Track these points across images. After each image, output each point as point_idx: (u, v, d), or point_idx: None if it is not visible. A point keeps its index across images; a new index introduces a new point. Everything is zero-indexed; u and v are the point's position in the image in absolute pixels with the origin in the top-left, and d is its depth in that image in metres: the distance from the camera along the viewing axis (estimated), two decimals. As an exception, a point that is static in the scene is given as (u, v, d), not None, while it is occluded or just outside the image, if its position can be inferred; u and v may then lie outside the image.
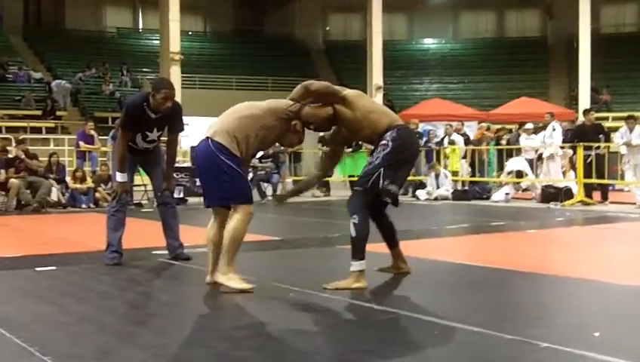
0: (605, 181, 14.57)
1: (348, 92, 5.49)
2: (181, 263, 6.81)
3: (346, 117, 5.43)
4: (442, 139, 18.09)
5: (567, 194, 14.32)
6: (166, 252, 7.09)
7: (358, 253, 5.34)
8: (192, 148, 15.80)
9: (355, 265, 5.33)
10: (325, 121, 5.51)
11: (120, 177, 6.59)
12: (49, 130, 23.58)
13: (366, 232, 5.35)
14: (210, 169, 5.24)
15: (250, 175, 16.15)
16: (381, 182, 5.26)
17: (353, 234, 5.33)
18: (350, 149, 18.50)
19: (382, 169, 5.26)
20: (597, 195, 14.67)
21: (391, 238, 5.92)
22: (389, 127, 5.39)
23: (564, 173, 15.33)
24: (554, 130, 15.85)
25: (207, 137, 5.24)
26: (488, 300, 5.09)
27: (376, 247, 5.81)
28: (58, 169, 15.17)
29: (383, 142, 5.32)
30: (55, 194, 14.54)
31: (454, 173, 17.04)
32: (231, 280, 5.23)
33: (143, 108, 6.46)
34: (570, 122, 21.27)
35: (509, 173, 15.83)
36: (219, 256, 5.39)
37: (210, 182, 5.31)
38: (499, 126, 20.95)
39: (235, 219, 5.20)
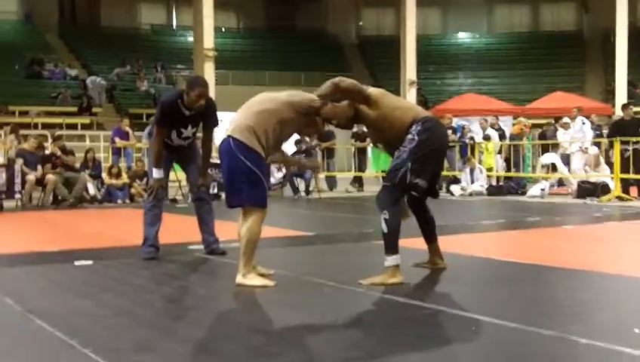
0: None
1: (372, 90, 5.48)
2: (217, 258, 6.85)
3: (369, 116, 5.44)
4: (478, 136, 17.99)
5: (604, 189, 14.15)
6: (202, 247, 7.15)
7: (392, 248, 5.34)
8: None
9: (390, 260, 5.33)
10: (345, 120, 5.53)
11: (156, 173, 6.69)
12: (84, 127, 23.85)
13: (398, 227, 5.33)
14: (231, 169, 5.23)
15: (284, 170, 16.20)
16: (408, 176, 5.25)
17: (385, 229, 5.33)
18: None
19: (409, 163, 5.24)
20: (634, 191, 14.49)
21: (430, 233, 5.92)
22: (414, 120, 5.35)
23: (587, 169, 15.21)
24: (583, 124, 15.70)
25: (229, 135, 5.21)
26: (525, 296, 5.05)
27: (411, 243, 5.79)
28: (94, 165, 15.36)
29: (409, 136, 5.30)
30: (92, 190, 14.71)
31: (489, 170, 16.93)
32: (251, 280, 5.25)
33: (177, 105, 6.53)
34: (607, 117, 21.06)
35: (542, 167, 15.70)
36: (251, 251, 5.40)
37: (229, 179, 5.30)
38: (534, 121, 20.83)
39: (249, 220, 5.21)
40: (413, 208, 5.72)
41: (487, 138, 17.54)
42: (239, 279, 5.27)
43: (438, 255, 5.98)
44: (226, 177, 5.33)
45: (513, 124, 20.25)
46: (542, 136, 18.96)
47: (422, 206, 5.79)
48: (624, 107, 15.98)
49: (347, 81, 5.43)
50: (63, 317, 4.40)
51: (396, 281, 5.28)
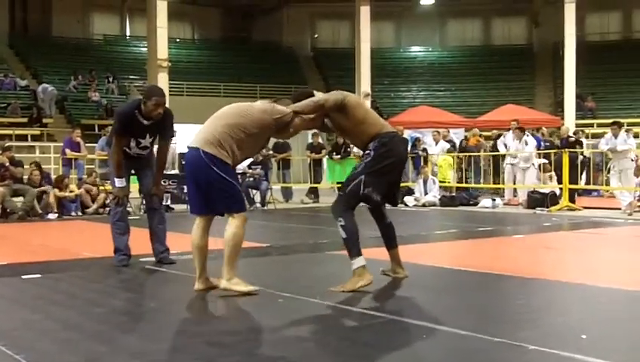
0: (591, 186, 14.66)
1: (348, 100, 5.63)
2: (167, 269, 6.80)
3: (340, 124, 5.73)
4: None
5: (552, 199, 14.38)
6: (152, 259, 7.11)
7: (354, 251, 5.50)
8: (181, 155, 15.78)
9: (355, 263, 5.47)
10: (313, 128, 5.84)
11: (118, 182, 6.76)
12: (35, 138, 23.47)
13: (355, 230, 5.51)
14: (202, 180, 5.27)
15: (239, 181, 16.12)
16: (361, 189, 5.52)
17: (344, 235, 5.50)
18: (339, 156, 18.54)
19: (363, 176, 5.52)
20: (580, 201, 14.78)
21: (390, 240, 6.02)
22: (374, 137, 5.60)
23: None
24: (527, 135, 15.94)
25: (198, 148, 5.23)
26: (476, 304, 5.10)
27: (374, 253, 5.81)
28: (42, 180, 14.90)
29: (367, 151, 5.60)
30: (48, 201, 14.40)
31: (442, 181, 17.09)
32: (236, 285, 5.31)
33: (135, 115, 6.56)
34: (556, 128, 21.40)
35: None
36: (205, 261, 5.48)
37: (201, 192, 5.33)
38: (485, 133, 21.08)
39: (233, 226, 5.27)
40: (373, 216, 5.93)
41: (450, 151, 17.79)
42: (224, 284, 5.30)
43: (398, 263, 6.05)
44: (196, 187, 5.36)
45: (465, 137, 20.48)
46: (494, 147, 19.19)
47: (381, 213, 5.93)
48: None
49: (332, 100, 5.58)
50: (10, 332, 4.32)
51: (365, 282, 5.42)
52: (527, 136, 16.03)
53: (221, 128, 5.29)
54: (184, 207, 15.83)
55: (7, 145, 16.39)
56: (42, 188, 14.18)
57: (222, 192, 5.25)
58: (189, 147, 5.37)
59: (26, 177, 14.72)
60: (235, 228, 5.26)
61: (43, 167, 15.88)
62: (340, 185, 18.95)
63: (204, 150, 5.21)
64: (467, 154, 17.50)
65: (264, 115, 5.39)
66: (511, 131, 16.43)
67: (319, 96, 5.67)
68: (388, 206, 5.98)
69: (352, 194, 5.55)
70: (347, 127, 5.70)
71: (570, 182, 14.36)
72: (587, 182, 16.03)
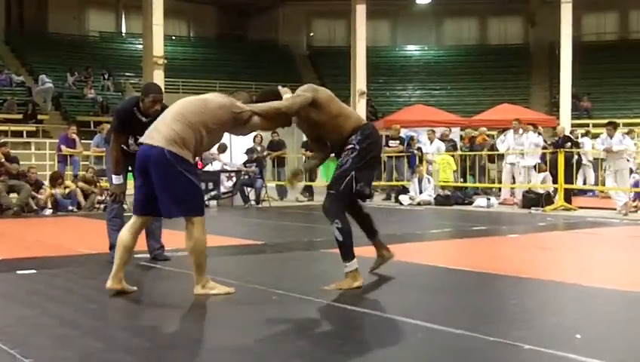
0: (587, 187, 14.69)
1: (320, 95, 5.52)
2: (161, 266, 6.82)
3: (312, 120, 5.56)
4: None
5: (547, 199, 14.40)
6: (147, 255, 7.13)
7: (349, 254, 5.47)
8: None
9: (350, 266, 5.46)
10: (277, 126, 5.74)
11: (116, 179, 6.78)
12: (30, 134, 23.43)
13: (350, 232, 5.47)
14: (166, 179, 5.07)
15: (234, 179, 16.14)
16: (354, 185, 5.44)
17: (340, 238, 5.43)
18: (334, 154, 18.52)
19: (353, 172, 5.43)
20: (575, 201, 14.80)
21: (370, 229, 6.00)
22: (354, 130, 5.53)
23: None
24: (538, 135, 15.98)
25: (162, 147, 5.02)
26: (471, 303, 5.11)
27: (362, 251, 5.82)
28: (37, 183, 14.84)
29: (350, 145, 5.48)
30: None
31: (445, 182, 17.13)
32: (213, 289, 5.23)
33: (134, 111, 6.57)
34: (552, 128, 21.47)
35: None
36: (126, 261, 5.31)
37: (165, 191, 5.10)
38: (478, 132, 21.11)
39: (195, 230, 5.12)
40: (349, 210, 5.81)
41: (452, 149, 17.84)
42: (199, 290, 5.19)
43: (384, 247, 6.07)
44: (164, 188, 5.10)
45: (461, 136, 20.51)
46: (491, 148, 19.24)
47: (356, 204, 5.89)
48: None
49: (296, 104, 5.40)
50: (4, 327, 4.31)
51: (359, 284, 5.42)
52: (539, 136, 16.07)
53: (179, 125, 5.09)
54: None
55: (2, 141, 16.38)
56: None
57: (185, 193, 5.07)
58: (147, 144, 5.14)
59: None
60: (197, 234, 5.13)
61: (38, 163, 15.90)
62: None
63: (168, 150, 5.02)
64: (472, 153, 17.53)
65: (222, 110, 5.21)
66: (512, 130, 16.44)
67: (285, 96, 5.45)
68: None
69: (346, 192, 5.47)
70: (323, 122, 5.53)
71: (566, 182, 14.37)
72: (595, 183, 16.05)
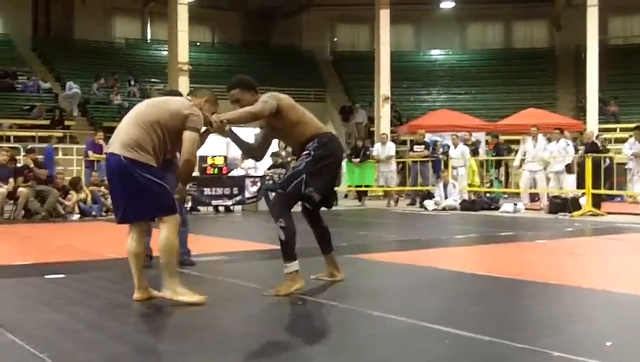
0: (614, 192, 14.55)
1: (283, 103, 5.59)
2: (188, 270, 6.83)
3: (273, 126, 5.70)
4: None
5: (574, 204, 14.29)
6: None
7: (291, 254, 5.49)
8: (202, 158, 15.86)
9: (290, 267, 5.48)
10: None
11: None
12: (57, 140, 23.62)
13: (294, 233, 5.48)
14: (128, 186, 5.01)
15: (259, 184, 16.16)
16: (303, 188, 5.47)
17: (283, 237, 5.46)
18: (358, 159, 18.54)
19: (304, 175, 5.47)
20: (604, 206, 14.67)
21: (325, 244, 6.03)
22: (311, 137, 5.60)
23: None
24: (567, 145, 15.87)
25: (118, 154, 4.98)
26: (498, 309, 5.07)
27: (384, 257, 5.80)
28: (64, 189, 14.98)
29: (306, 151, 5.55)
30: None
31: (470, 185, 17.08)
32: (180, 295, 5.10)
33: None
34: (579, 133, 21.31)
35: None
36: (141, 267, 5.30)
37: (129, 198, 5.06)
38: (506, 137, 21.04)
39: (165, 230, 5.06)
40: (308, 220, 5.89)
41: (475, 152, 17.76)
42: (169, 295, 5.10)
43: (335, 266, 6.08)
44: (122, 194, 5.09)
45: (487, 141, 20.43)
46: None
47: (317, 217, 5.92)
48: None
49: (265, 108, 5.46)
50: (34, 331, 4.34)
51: (299, 286, 5.44)
52: (569, 144, 15.98)
53: (137, 130, 5.02)
54: (204, 209, 15.94)
55: (30, 147, 16.55)
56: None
57: (151, 196, 5.01)
58: (108, 153, 5.11)
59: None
60: (167, 233, 5.05)
61: (66, 168, 16.02)
62: (358, 189, 19.07)
63: (124, 155, 4.96)
64: (496, 158, 17.46)
65: (175, 108, 5.13)
66: (530, 137, 16.37)
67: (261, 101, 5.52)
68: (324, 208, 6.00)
69: (293, 193, 5.49)
70: (281, 128, 5.66)
71: (594, 187, 14.24)
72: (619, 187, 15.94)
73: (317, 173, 5.53)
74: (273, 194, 5.68)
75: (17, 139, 21.91)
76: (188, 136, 5.09)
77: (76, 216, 14.32)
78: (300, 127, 5.63)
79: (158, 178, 5.05)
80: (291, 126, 5.62)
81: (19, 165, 15.07)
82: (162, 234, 5.08)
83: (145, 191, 5.00)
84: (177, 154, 5.49)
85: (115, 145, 5.04)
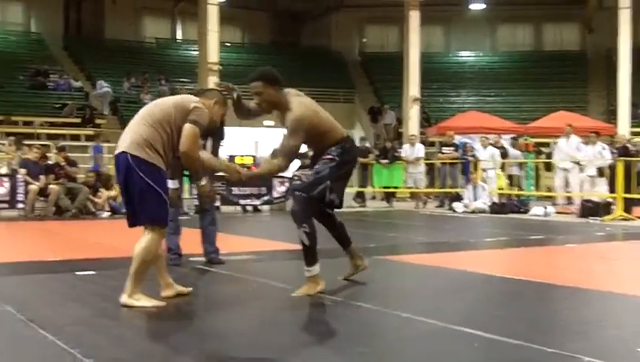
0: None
1: (307, 126, 5.45)
2: (216, 269, 6.89)
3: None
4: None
5: (605, 208, 14.15)
6: (202, 258, 7.23)
7: (314, 258, 5.51)
8: (231, 157, 15.95)
9: (313, 270, 5.50)
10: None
11: (172, 184, 6.85)
12: (88, 138, 23.85)
13: (316, 237, 5.51)
14: (131, 186, 4.97)
15: (287, 184, 16.20)
16: (327, 195, 5.49)
17: (307, 242, 5.47)
18: (386, 160, 18.51)
19: (329, 182, 5.48)
20: (636, 211, 14.51)
21: (344, 237, 6.03)
22: (336, 142, 5.58)
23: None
24: (603, 149, 15.72)
25: (125, 151, 4.94)
26: (528, 313, 5.04)
27: (415, 258, 5.78)
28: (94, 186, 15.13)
29: (329, 156, 5.53)
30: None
31: (500, 188, 17.00)
32: (139, 301, 5.02)
33: None
34: (610, 137, 21.09)
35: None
36: (163, 268, 5.34)
37: (130, 197, 5.04)
38: (536, 140, 20.89)
39: (148, 240, 5.00)
40: (322, 220, 5.86)
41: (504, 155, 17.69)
42: (124, 299, 5.01)
43: (358, 256, 6.09)
44: (128, 194, 5.05)
45: (513, 143, 20.26)
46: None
47: (328, 213, 5.87)
48: None
49: (288, 161, 5.43)
50: (65, 327, 4.39)
51: (321, 288, 5.47)
52: (604, 148, 15.85)
53: (146, 129, 4.97)
54: (232, 208, 16.00)
55: (60, 145, 16.74)
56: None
57: (147, 202, 4.94)
58: (116, 153, 5.07)
59: (82, 176, 15.04)
60: (148, 242, 4.98)
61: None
62: (387, 190, 19.04)
63: (131, 153, 4.91)
64: (521, 160, 17.34)
65: (181, 106, 5.05)
66: (564, 136, 16.26)
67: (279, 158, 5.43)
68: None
69: (316, 199, 5.48)
70: (307, 141, 5.58)
71: (625, 191, 14.10)
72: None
73: (340, 179, 5.59)
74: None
75: (48, 137, 22.14)
76: (186, 128, 4.96)
77: (106, 214, 14.45)
78: (324, 137, 5.59)
79: (158, 185, 4.95)
80: (317, 140, 5.59)
81: (50, 162, 15.25)
82: (144, 242, 4.99)
83: (141, 194, 4.93)
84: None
85: (124, 143, 4.99)
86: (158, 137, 4.96)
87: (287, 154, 5.40)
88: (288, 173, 16.90)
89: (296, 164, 16.68)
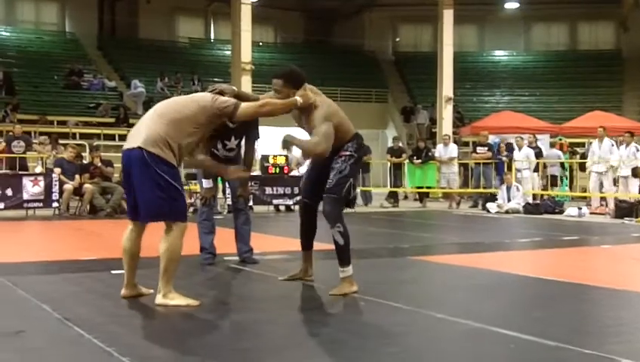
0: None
1: (335, 121, 5.48)
2: (250, 268, 6.91)
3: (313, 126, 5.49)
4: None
5: (641, 210, 13.97)
6: (236, 258, 7.25)
7: (349, 258, 5.55)
8: (263, 157, 15.99)
9: (347, 271, 5.53)
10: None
11: (206, 183, 6.96)
12: (122, 138, 24.06)
13: (349, 237, 5.56)
14: (146, 181, 4.92)
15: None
16: (352, 192, 5.63)
17: (342, 242, 5.52)
18: (420, 160, 18.43)
19: (352, 179, 5.59)
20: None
21: (311, 241, 6.04)
22: (350, 138, 5.62)
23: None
24: (638, 150, 15.51)
25: (141, 148, 4.90)
26: (564, 314, 4.98)
27: (445, 259, 5.75)
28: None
29: (347, 152, 5.55)
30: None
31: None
32: (174, 300, 5.04)
33: None
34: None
35: None
36: (135, 268, 5.28)
37: (145, 195, 4.98)
38: (571, 140, 20.69)
39: (172, 237, 5.00)
40: (307, 213, 5.89)
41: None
42: (159, 299, 5.04)
43: (311, 264, 6.10)
44: (141, 190, 4.99)
45: (551, 144, 20.08)
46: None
47: (314, 212, 5.86)
48: None
49: (330, 143, 5.39)
50: (101, 325, 4.43)
51: (356, 289, 5.47)
52: (638, 150, 15.65)
53: (162, 126, 4.94)
54: (265, 208, 16.03)
55: (95, 144, 16.90)
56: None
57: (165, 198, 4.92)
58: (128, 148, 5.02)
59: (117, 175, 15.15)
60: (174, 239, 4.99)
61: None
62: (420, 190, 18.96)
63: (147, 150, 4.87)
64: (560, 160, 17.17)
65: (202, 102, 5.08)
66: (597, 139, 16.08)
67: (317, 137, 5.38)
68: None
69: (345, 198, 5.55)
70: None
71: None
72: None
73: (356, 174, 5.80)
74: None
75: (83, 136, 22.37)
76: (243, 105, 5.15)
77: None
78: (340, 134, 5.58)
79: (175, 181, 4.98)
80: (336, 136, 5.53)
81: (85, 162, 15.40)
82: (169, 240, 5.00)
83: (160, 191, 4.91)
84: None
85: (138, 140, 4.95)
86: (172, 135, 4.95)
87: (326, 137, 5.37)
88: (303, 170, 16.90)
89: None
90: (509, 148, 17.83)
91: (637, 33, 32.83)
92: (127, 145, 5.06)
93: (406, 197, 20.44)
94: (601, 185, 16.11)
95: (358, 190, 5.61)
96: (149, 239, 5.32)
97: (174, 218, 5.01)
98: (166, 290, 5.05)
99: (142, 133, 4.98)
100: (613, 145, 16.18)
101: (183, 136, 4.98)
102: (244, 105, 5.19)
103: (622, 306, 5.37)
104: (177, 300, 5.04)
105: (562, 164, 18.63)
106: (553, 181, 18.19)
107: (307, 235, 6.01)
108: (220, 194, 12.41)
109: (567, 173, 18.75)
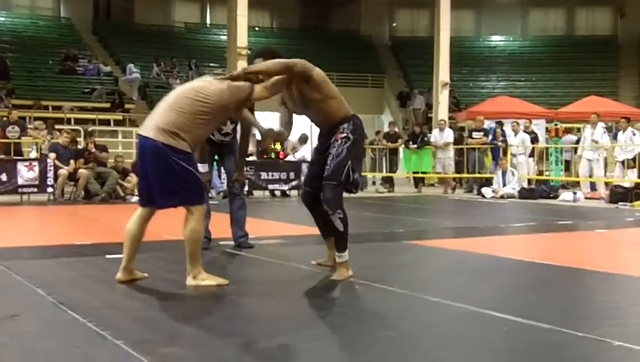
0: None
1: (317, 72, 5.45)
2: (245, 253, 6.91)
3: (307, 96, 5.48)
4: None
5: (637, 194, 13.98)
6: (231, 242, 7.25)
7: (346, 243, 5.52)
8: (258, 142, 15.97)
9: (344, 256, 5.51)
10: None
11: (202, 168, 6.89)
12: (117, 123, 24.01)
13: (348, 223, 5.51)
14: (160, 169, 5.02)
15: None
16: (351, 175, 5.46)
17: (340, 227, 5.47)
18: (415, 146, 18.43)
19: (350, 162, 5.44)
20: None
21: (330, 229, 5.85)
22: (344, 118, 5.52)
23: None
24: (634, 135, 15.52)
25: (155, 139, 4.97)
26: (557, 298, 5.00)
27: (441, 243, 5.76)
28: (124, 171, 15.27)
29: (343, 134, 5.45)
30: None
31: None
32: (205, 280, 5.14)
33: None
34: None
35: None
36: (134, 253, 5.32)
37: (159, 182, 5.08)
38: (567, 125, 20.70)
39: (192, 221, 5.10)
40: (311, 203, 5.86)
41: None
42: (190, 281, 5.14)
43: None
44: (157, 179, 5.07)
45: (547, 129, 20.08)
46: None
47: (318, 199, 5.73)
48: None
49: (301, 65, 5.39)
50: (95, 309, 4.43)
51: (351, 274, 5.47)
52: (635, 134, 15.66)
53: (174, 115, 5.01)
54: (261, 193, 16.05)
55: (90, 129, 16.87)
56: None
57: (182, 183, 5.02)
58: (143, 135, 5.09)
59: (112, 160, 15.15)
60: (195, 223, 5.09)
61: (125, 151, 16.27)
62: (415, 175, 18.96)
63: (161, 141, 4.95)
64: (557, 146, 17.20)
65: (219, 93, 5.08)
66: (589, 125, 16.13)
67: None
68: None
69: (344, 182, 5.46)
70: (316, 100, 5.45)
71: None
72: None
73: (356, 157, 5.62)
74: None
75: (78, 121, 22.33)
76: (258, 90, 5.19)
77: (135, 198, 14.53)
78: (334, 102, 5.51)
79: (191, 166, 5.07)
80: (326, 99, 5.48)
81: (79, 147, 15.38)
82: (190, 224, 5.09)
83: (177, 177, 5.00)
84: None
85: (151, 128, 5.03)
86: (186, 123, 4.99)
87: (297, 61, 5.38)
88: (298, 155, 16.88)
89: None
90: (503, 133, 17.84)
91: (633, 19, 32.82)
92: (143, 131, 5.11)
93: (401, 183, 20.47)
94: (592, 173, 16.15)
95: (357, 174, 5.42)
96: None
97: (193, 202, 5.10)
98: (195, 272, 5.15)
99: (155, 121, 5.04)
100: (605, 133, 16.22)
101: (191, 123, 5.01)
102: (257, 87, 5.23)
103: (616, 290, 5.39)
104: (208, 281, 5.14)
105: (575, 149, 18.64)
106: (567, 166, 18.26)
107: (322, 225, 5.93)
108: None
109: (562, 158, 18.73)
